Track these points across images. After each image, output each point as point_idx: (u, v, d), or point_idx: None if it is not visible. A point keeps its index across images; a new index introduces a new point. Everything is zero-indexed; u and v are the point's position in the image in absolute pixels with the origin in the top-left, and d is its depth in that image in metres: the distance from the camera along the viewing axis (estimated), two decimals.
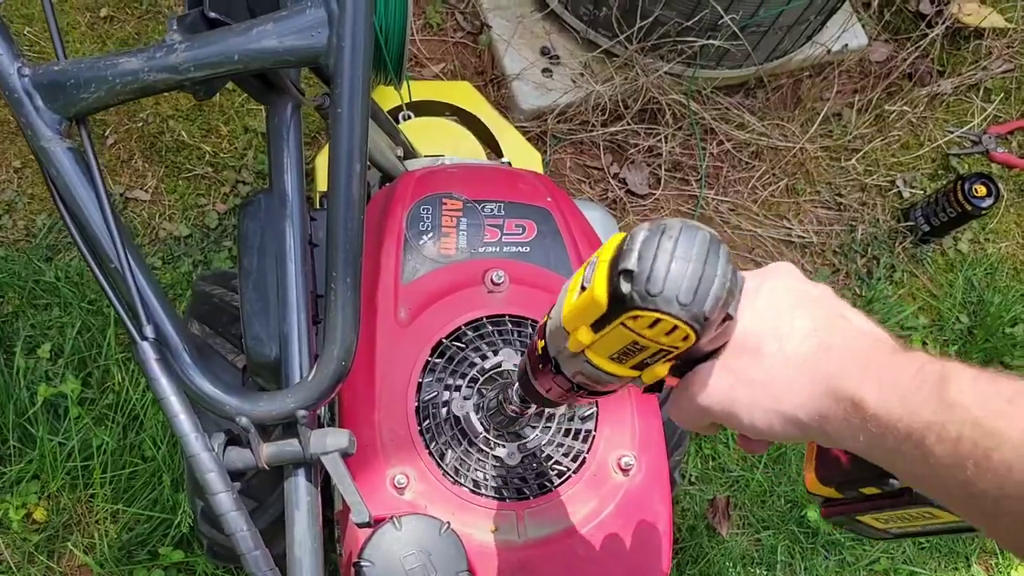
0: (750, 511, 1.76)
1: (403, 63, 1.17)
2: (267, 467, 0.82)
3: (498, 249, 1.04)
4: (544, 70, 1.94)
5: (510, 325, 1.00)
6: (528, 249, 1.05)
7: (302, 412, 0.80)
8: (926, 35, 2.08)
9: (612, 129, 1.93)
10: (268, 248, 0.94)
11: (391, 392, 0.95)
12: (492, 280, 1.01)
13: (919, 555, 1.80)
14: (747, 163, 2.04)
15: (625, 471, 0.98)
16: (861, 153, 2.08)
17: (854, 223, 2.03)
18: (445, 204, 1.05)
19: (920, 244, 2.02)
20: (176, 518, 1.45)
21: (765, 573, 1.72)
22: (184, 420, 0.76)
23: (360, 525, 0.78)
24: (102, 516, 1.49)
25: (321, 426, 0.84)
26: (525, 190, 1.09)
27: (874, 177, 2.08)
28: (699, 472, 1.77)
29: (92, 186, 0.78)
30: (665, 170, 1.98)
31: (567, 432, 0.97)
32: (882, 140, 2.10)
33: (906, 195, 2.07)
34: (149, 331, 0.77)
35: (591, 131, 1.93)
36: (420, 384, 0.96)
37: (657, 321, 0.48)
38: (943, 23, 2.12)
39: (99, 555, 1.46)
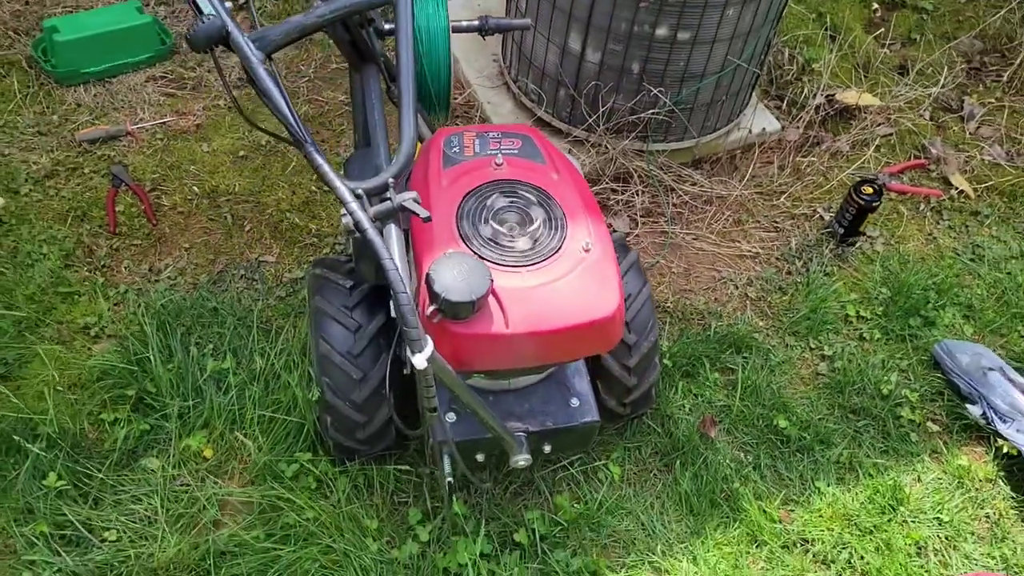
0: (734, 428, 2.27)
1: (449, 100, 1.97)
2: (375, 218, 1.48)
3: (498, 150, 1.76)
4: None
5: (505, 185, 1.69)
6: (517, 151, 1.77)
7: (391, 180, 1.49)
8: (820, 113, 2.88)
9: (595, 189, 2.68)
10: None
11: (441, 221, 1.63)
12: (495, 163, 1.72)
13: (879, 455, 2.26)
14: (702, 208, 2.76)
15: (587, 251, 1.62)
16: (786, 194, 2.80)
17: (789, 238, 2.70)
18: (465, 135, 1.79)
19: (841, 245, 2.67)
20: (306, 424, 2.05)
21: (752, 471, 2.20)
22: (338, 183, 1.45)
23: (425, 220, 1.43)
24: (252, 438, 2.09)
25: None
26: (515, 128, 1.84)
27: (800, 208, 2.78)
28: (690, 404, 2.31)
29: (277, 86, 1.54)
30: (640, 216, 2.70)
31: (550, 232, 1.63)
32: (801, 185, 2.82)
33: (826, 217, 2.75)
34: (309, 144, 1.49)
35: None
36: (457, 215, 1.64)
37: None
38: (831, 104, 2.94)
39: (253, 460, 2.05)
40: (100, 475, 2.02)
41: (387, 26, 1.89)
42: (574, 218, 1.67)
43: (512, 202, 1.67)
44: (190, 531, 1.97)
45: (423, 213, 1.46)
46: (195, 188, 2.64)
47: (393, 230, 1.51)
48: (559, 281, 1.58)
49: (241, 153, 2.74)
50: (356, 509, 2.01)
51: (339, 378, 1.86)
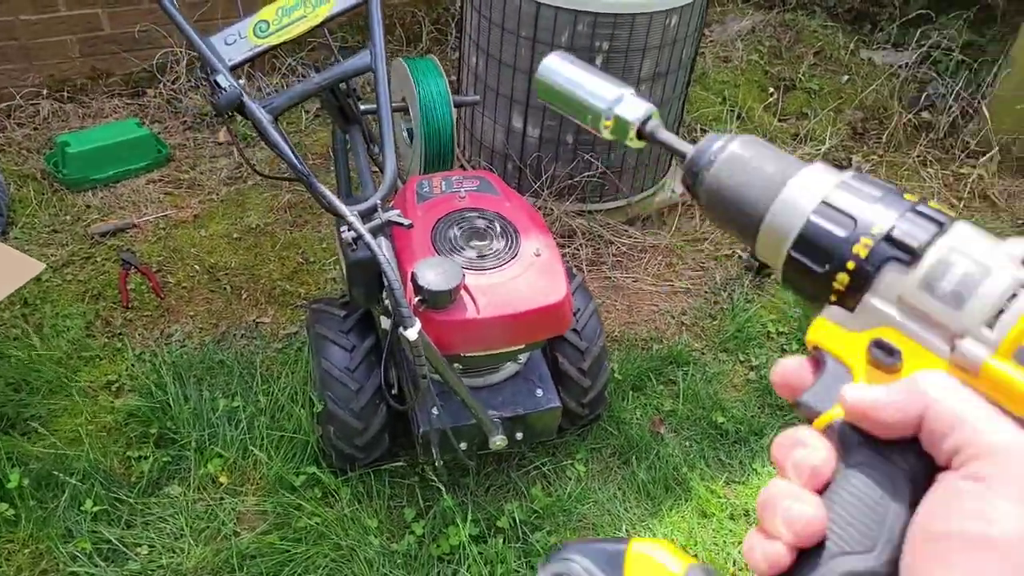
0: (680, 427, 2.63)
1: (452, 155, 2.43)
2: (367, 233, 1.87)
3: (461, 188, 2.19)
4: None
5: (467, 212, 2.11)
6: (476, 188, 2.20)
7: (379, 202, 1.89)
8: None
9: None
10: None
11: (419, 239, 2.04)
12: (459, 196, 2.15)
13: None
14: (638, 256, 3.20)
15: (537, 255, 2.03)
16: (708, 240, 3.26)
17: (714, 274, 3.14)
18: (433, 179, 2.22)
19: (757, 277, 3.10)
20: (311, 440, 2.37)
21: (700, 461, 2.55)
22: (339, 204, 1.85)
23: (407, 227, 1.83)
24: (263, 460, 2.39)
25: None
26: (474, 173, 2.27)
27: (721, 251, 3.23)
28: (640, 411, 2.67)
29: (283, 139, 1.95)
30: (586, 266, 3.13)
31: (506, 244, 2.04)
32: (720, 232, 3.29)
33: (744, 256, 3.20)
34: (312, 177, 1.89)
35: None
36: (432, 233, 2.05)
37: None
38: None
39: (266, 474, 2.35)
40: (131, 500, 2.30)
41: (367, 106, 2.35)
42: (526, 233, 2.09)
43: (474, 222, 2.09)
44: (213, 540, 2.25)
45: (406, 222, 1.87)
46: (196, 267, 3.02)
47: (383, 241, 1.91)
48: (517, 278, 1.98)
49: (235, 235, 3.14)
50: (358, 511, 2.31)
51: (339, 391, 2.20)
